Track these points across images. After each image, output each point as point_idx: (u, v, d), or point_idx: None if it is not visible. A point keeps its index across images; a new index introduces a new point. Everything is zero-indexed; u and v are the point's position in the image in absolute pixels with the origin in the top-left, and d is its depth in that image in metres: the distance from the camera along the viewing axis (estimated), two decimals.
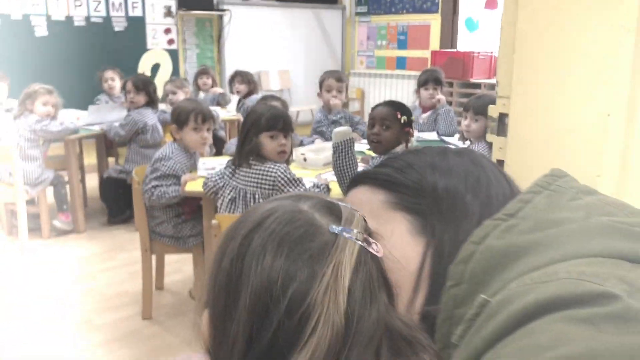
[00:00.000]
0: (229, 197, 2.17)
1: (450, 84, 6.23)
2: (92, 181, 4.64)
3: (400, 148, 2.33)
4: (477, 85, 6.11)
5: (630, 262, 0.48)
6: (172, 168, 2.56)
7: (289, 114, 2.40)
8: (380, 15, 7.42)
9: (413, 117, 2.40)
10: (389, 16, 7.33)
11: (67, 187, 3.86)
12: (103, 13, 5.51)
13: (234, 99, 4.95)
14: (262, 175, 2.11)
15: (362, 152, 3.04)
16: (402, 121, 2.30)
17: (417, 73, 6.98)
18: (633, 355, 0.39)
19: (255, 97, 4.81)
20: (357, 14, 7.62)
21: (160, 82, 6.01)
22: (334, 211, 0.59)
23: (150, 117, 3.87)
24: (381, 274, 0.58)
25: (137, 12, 5.75)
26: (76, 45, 5.37)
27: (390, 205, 0.65)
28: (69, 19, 5.32)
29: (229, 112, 4.79)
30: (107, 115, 4.12)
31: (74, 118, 4.04)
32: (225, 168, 2.23)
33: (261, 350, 0.53)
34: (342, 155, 2.25)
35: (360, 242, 0.56)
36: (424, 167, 0.66)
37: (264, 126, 2.15)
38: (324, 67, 7.56)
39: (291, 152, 2.27)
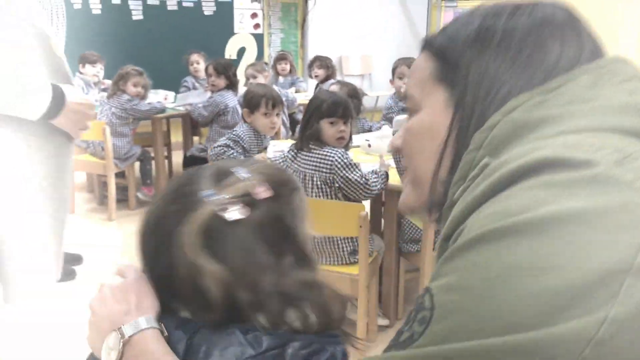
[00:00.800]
0: None
1: None
2: (178, 157, 4.94)
3: None
4: None
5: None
6: (243, 143, 2.74)
7: (369, 98, 2.46)
8: (468, 0, 7.26)
9: None
10: (477, 1, 7.15)
11: (153, 162, 4.15)
12: None
13: (312, 83, 5.08)
14: (321, 159, 2.20)
15: None
16: None
17: None
18: (598, 214, 0.41)
19: (331, 82, 4.92)
20: None
21: (246, 65, 6.26)
22: (221, 179, 0.73)
23: (230, 99, 4.06)
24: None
25: None
26: (168, 29, 5.69)
27: (435, 76, 0.65)
28: (163, 3, 5.64)
29: (306, 96, 4.93)
30: (194, 100, 4.37)
31: (162, 98, 4.32)
32: (288, 151, 2.35)
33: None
34: None
35: (215, 208, 0.69)
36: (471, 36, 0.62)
37: (325, 112, 2.24)
38: (407, 52, 7.50)
39: (350, 138, 2.35)
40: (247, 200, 0.70)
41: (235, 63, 6.14)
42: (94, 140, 3.81)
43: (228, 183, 0.72)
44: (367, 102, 7.01)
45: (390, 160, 2.64)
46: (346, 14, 6.86)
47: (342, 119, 2.26)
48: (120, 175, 4.00)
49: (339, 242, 2.24)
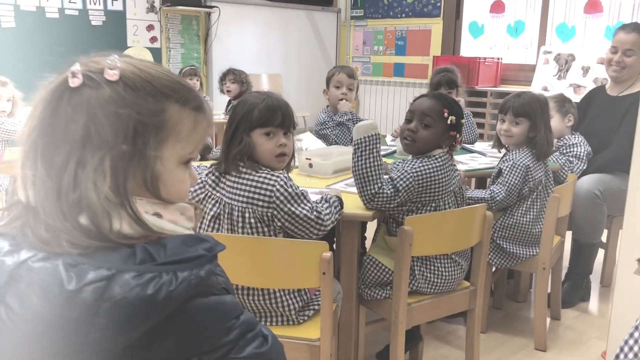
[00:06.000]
0: (212, 212, 1.67)
1: None
2: None
3: (439, 152, 1.86)
4: (484, 94, 5.71)
5: None
6: None
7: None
8: (377, 19, 7.01)
9: (463, 120, 1.93)
10: (387, 20, 6.92)
11: None
12: (79, 5, 5.01)
13: (224, 99, 4.48)
14: (256, 187, 1.61)
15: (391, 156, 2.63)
16: (449, 122, 1.83)
17: (416, 80, 6.62)
18: None
19: None
20: (353, 17, 7.20)
21: None
22: None
23: None
24: None
25: (117, 6, 5.25)
26: (47, 39, 4.86)
27: None
28: (40, 9, 4.80)
29: (216, 115, 4.31)
30: None
31: None
32: (207, 175, 1.73)
33: None
34: (366, 154, 1.77)
35: None
36: None
37: (257, 120, 1.65)
38: (317, 72, 7.12)
39: (293, 156, 1.78)
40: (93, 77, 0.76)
41: None
42: None
43: None
44: None
45: (338, 185, 2.10)
46: (252, 30, 6.34)
47: (282, 129, 1.69)
48: None
49: (283, 297, 1.64)
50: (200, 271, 0.71)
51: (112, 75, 0.74)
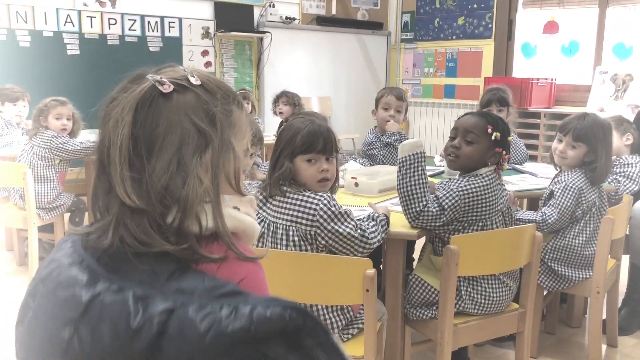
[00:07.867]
0: None
1: None
2: None
3: (485, 171, 1.85)
4: (537, 115, 5.59)
5: None
6: None
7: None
8: (428, 41, 7.01)
9: (511, 138, 1.91)
10: (437, 42, 6.91)
11: (86, 214, 3.48)
12: (138, 32, 5.25)
13: (276, 120, 4.59)
14: (300, 207, 1.64)
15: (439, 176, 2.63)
16: (494, 138, 1.82)
17: (467, 102, 6.56)
18: None
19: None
20: (403, 40, 7.24)
21: None
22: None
23: None
24: None
25: (174, 33, 5.47)
26: (109, 65, 5.09)
27: None
28: (103, 37, 5.06)
29: (267, 137, 4.40)
30: None
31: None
32: (256, 192, 1.78)
33: None
34: (411, 172, 1.78)
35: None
36: None
37: (300, 147, 1.69)
38: (366, 94, 7.17)
39: (337, 179, 1.80)
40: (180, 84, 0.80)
41: None
42: (14, 187, 3.14)
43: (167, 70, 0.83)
44: None
45: (384, 203, 2.10)
46: (303, 54, 6.46)
47: (323, 155, 1.72)
48: (49, 228, 3.30)
49: (326, 314, 1.65)
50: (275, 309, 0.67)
51: (196, 80, 0.81)
